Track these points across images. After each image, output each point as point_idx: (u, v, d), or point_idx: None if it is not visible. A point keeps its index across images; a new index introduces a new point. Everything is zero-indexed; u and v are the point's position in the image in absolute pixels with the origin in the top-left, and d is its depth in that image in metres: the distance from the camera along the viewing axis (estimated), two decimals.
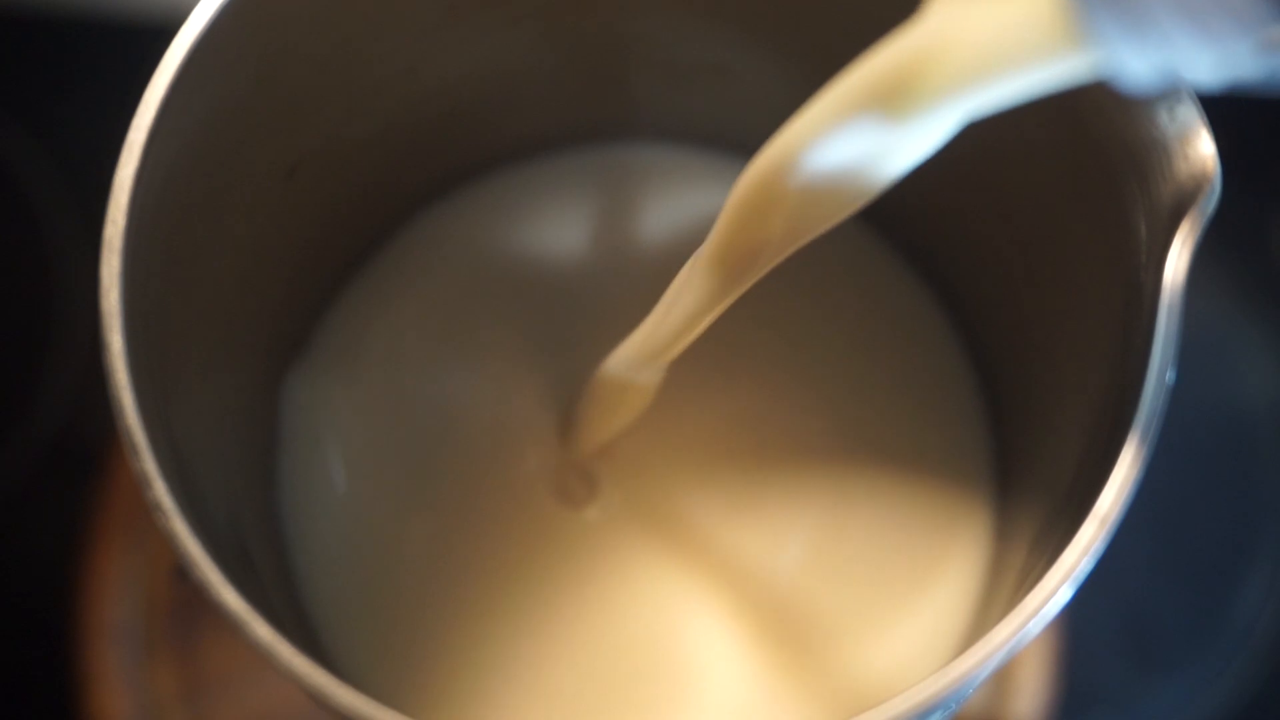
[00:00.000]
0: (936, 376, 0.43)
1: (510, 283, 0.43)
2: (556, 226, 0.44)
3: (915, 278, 0.44)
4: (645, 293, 0.36)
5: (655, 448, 0.42)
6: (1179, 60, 0.24)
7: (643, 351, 0.35)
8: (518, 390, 0.42)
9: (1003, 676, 0.54)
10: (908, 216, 0.42)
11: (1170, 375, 0.29)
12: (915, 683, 0.28)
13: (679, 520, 0.41)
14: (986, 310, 0.42)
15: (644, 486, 0.42)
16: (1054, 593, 0.29)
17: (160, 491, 0.29)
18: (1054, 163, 0.36)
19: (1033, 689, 0.54)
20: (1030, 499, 0.38)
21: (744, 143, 0.39)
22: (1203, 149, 0.30)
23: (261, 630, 0.28)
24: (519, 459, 0.42)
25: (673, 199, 0.44)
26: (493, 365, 0.43)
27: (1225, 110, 0.32)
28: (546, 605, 0.40)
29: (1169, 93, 0.30)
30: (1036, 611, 0.29)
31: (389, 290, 0.43)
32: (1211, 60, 0.24)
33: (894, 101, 0.27)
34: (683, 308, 0.33)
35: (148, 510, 0.29)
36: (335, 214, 0.42)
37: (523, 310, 0.43)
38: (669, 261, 0.41)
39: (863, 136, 0.27)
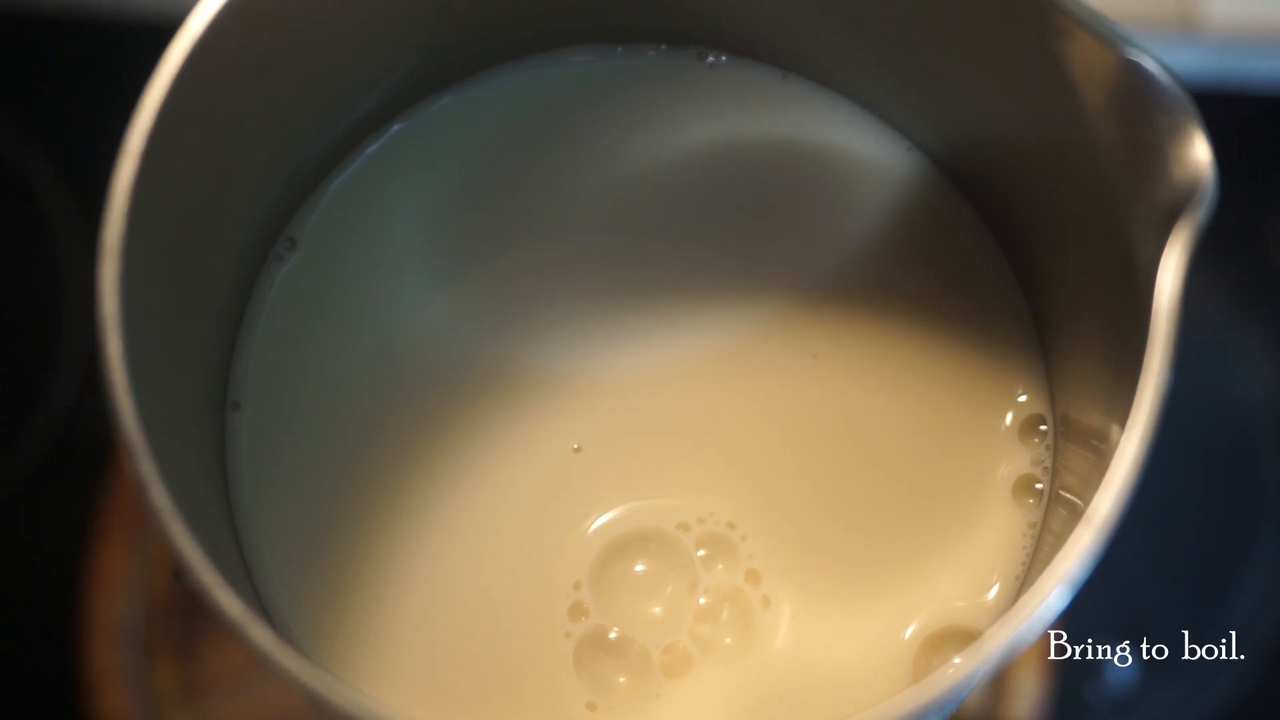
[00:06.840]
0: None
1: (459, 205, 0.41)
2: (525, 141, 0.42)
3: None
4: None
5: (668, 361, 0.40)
6: None
7: None
8: (465, 322, 0.40)
9: (1001, 678, 0.54)
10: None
11: (1168, 380, 0.29)
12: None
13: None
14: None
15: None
16: (1050, 598, 0.29)
17: (158, 495, 0.29)
18: (1051, 165, 0.36)
19: (1030, 690, 0.54)
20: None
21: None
22: (1198, 154, 0.30)
23: (259, 634, 0.28)
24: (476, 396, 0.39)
25: (650, 110, 0.42)
26: (439, 297, 0.40)
27: (1224, 110, 0.32)
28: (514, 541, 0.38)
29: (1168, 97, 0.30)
30: (1032, 617, 0.29)
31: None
32: None
33: None
34: None
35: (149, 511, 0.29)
36: None
37: (473, 235, 0.41)
38: (665, 188, 0.40)
39: None
